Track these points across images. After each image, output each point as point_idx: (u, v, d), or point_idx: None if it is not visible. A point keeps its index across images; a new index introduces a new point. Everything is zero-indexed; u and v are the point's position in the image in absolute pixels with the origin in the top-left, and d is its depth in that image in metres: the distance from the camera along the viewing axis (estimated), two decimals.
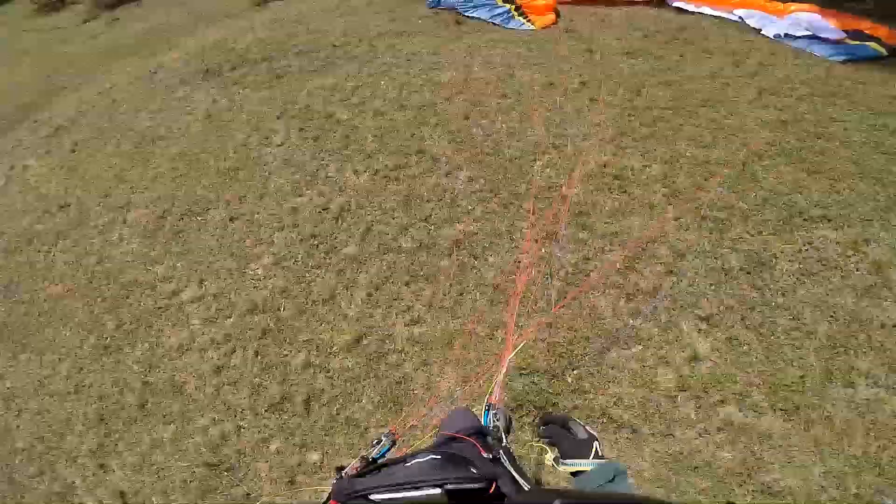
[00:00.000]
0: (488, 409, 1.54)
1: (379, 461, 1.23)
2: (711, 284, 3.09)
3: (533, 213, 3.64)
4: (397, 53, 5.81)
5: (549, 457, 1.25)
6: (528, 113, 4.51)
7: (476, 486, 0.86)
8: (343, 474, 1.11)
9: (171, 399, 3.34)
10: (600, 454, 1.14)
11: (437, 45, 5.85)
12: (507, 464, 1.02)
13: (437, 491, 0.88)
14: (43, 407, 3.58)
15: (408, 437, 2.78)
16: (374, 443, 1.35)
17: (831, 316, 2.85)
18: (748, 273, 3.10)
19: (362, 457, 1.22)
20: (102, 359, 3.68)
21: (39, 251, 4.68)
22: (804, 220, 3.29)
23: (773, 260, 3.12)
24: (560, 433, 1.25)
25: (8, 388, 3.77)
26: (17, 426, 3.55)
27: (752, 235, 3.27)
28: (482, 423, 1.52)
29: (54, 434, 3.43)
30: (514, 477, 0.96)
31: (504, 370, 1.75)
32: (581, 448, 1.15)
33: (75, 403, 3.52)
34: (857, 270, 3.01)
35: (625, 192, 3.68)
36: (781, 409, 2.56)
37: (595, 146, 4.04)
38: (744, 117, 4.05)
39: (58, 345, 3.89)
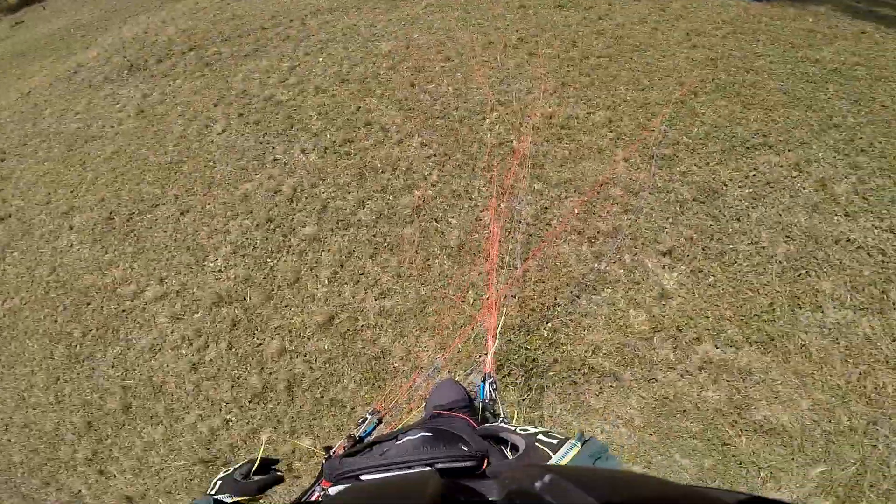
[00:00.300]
0: (484, 381, 1.39)
1: (366, 439, 1.14)
2: (668, 218, 2.68)
3: (494, 171, 3.10)
4: (332, 30, 4.93)
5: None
6: (472, 73, 3.87)
7: (467, 464, 0.79)
8: (331, 454, 1.01)
9: (153, 400, 2.84)
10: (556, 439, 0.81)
11: (373, 17, 5.00)
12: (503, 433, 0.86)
13: (428, 469, 0.80)
14: (28, 420, 3.04)
15: (395, 412, 2.36)
16: (360, 421, 1.24)
17: (787, 235, 2.49)
18: (702, 203, 2.70)
19: (349, 436, 1.13)
20: (76, 367, 3.10)
21: None
22: (747, 148, 2.90)
23: (724, 188, 2.73)
24: (497, 455, 0.89)
25: None
26: (9, 440, 3.03)
27: (700, 167, 2.86)
28: (478, 394, 1.37)
29: (47, 445, 2.94)
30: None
31: (496, 341, 1.51)
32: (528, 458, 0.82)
33: (59, 413, 3.00)
34: (804, 189, 2.65)
35: (573, 140, 3.18)
36: (757, 342, 2.21)
37: (539, 99, 3.48)
38: (676, 58, 3.58)
39: (27, 358, 3.26)
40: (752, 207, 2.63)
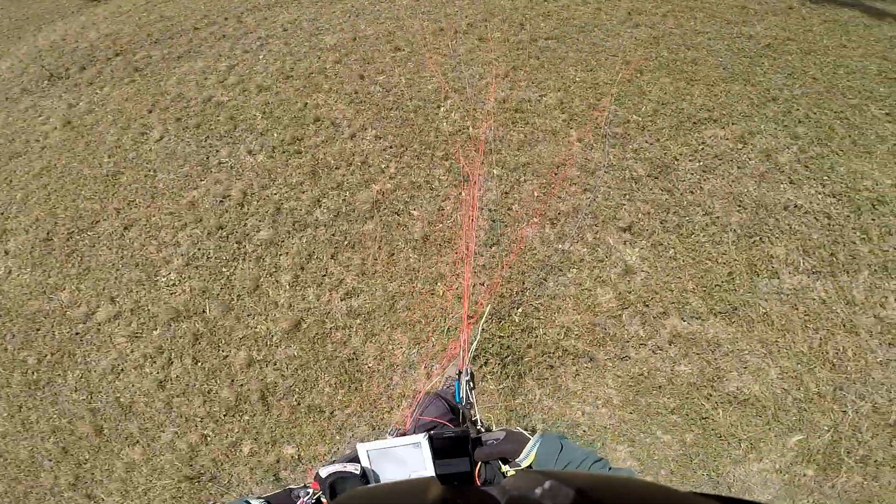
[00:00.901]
0: (459, 378, 1.36)
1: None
2: (625, 194, 2.72)
3: (456, 161, 3.04)
4: (272, 25, 4.67)
5: (506, 469, 0.94)
6: (424, 62, 3.76)
7: (455, 433, 0.82)
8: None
9: (125, 420, 2.68)
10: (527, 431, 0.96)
11: (315, 10, 4.76)
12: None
13: (422, 436, 0.90)
14: (1, 449, 2.80)
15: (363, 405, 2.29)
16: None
17: (739, 204, 2.58)
18: (655, 178, 2.75)
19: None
20: (37, 394, 2.89)
21: None
22: (693, 123, 2.98)
23: (675, 162, 2.79)
24: (493, 448, 0.95)
25: None
26: None
27: (651, 144, 2.91)
28: (454, 396, 1.36)
29: (26, 474, 2.74)
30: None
31: (466, 342, 1.47)
32: (510, 443, 0.92)
33: (31, 440, 2.80)
34: (750, 160, 2.75)
35: (527, 123, 3.16)
36: (721, 313, 2.28)
37: (492, 84, 3.42)
38: (619, 38, 3.62)
39: None
40: (704, 180, 2.70)
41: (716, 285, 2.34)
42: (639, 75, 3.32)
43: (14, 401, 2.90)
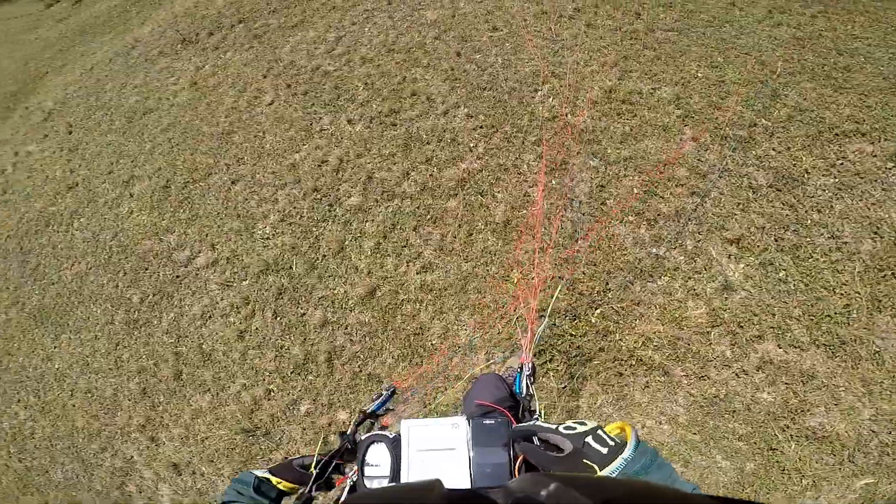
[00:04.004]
0: (521, 371, 1.35)
1: (378, 413, 1.24)
2: (739, 204, 2.55)
3: (543, 145, 3.06)
4: None
5: None
6: (523, 44, 3.78)
7: (496, 422, 0.87)
8: (348, 434, 1.09)
9: (202, 368, 3.07)
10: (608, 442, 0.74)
11: None
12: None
13: (462, 418, 0.94)
14: (91, 385, 3.37)
15: (417, 391, 2.44)
16: (375, 397, 1.30)
17: (875, 232, 2.31)
18: (778, 190, 2.54)
19: (360, 411, 1.21)
20: (134, 333, 3.40)
21: (58, 231, 4.24)
22: (835, 134, 2.68)
23: (805, 175, 2.55)
24: (541, 455, 0.80)
25: (58, 369, 3.55)
26: (73, 405, 3.36)
27: (779, 152, 2.68)
28: (514, 387, 1.35)
29: (106, 411, 3.24)
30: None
31: (532, 335, 1.46)
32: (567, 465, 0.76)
33: (118, 379, 3.29)
34: None
35: (635, 115, 3.06)
36: (825, 345, 2.10)
37: (598, 72, 3.36)
38: (756, 36, 3.32)
39: (91, 323, 3.59)
40: (837, 199, 2.45)
41: (827, 316, 2.15)
42: (774, 77, 3.05)
43: (114, 338, 3.44)
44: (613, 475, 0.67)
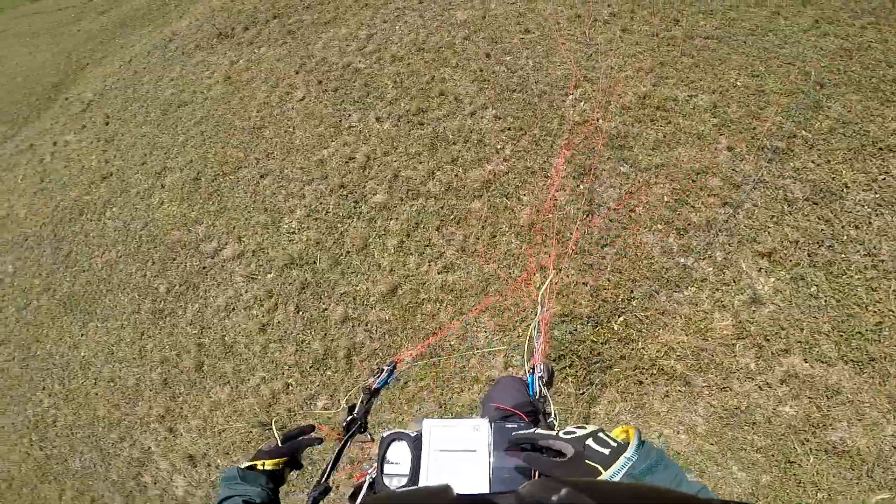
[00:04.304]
0: (533, 373, 1.35)
1: (381, 389, 1.26)
2: (773, 216, 2.53)
3: (569, 149, 3.09)
4: None
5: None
6: (555, 47, 3.81)
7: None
8: (355, 414, 1.15)
9: (224, 360, 3.18)
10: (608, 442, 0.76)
11: None
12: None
13: (483, 420, 0.97)
14: (115, 374, 3.50)
15: (435, 381, 2.45)
16: (376, 374, 1.29)
17: None
18: (815, 204, 2.51)
19: (364, 388, 1.22)
20: (159, 323, 3.54)
21: (91, 220, 4.47)
22: (879, 149, 2.61)
23: (844, 190, 2.51)
24: (544, 462, 0.81)
25: (83, 357, 3.71)
26: (96, 394, 3.50)
27: (819, 165, 2.64)
28: (528, 389, 1.36)
29: (127, 400, 3.36)
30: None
31: (543, 337, 1.44)
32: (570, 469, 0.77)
33: (141, 369, 3.42)
34: None
35: (669, 122, 3.06)
36: (853, 361, 2.08)
37: (632, 77, 3.37)
38: (801, 46, 3.26)
39: (118, 311, 3.76)
40: (876, 215, 2.40)
41: (857, 332, 2.12)
42: (818, 88, 3.00)
43: (139, 327, 3.58)
44: (618, 475, 0.69)
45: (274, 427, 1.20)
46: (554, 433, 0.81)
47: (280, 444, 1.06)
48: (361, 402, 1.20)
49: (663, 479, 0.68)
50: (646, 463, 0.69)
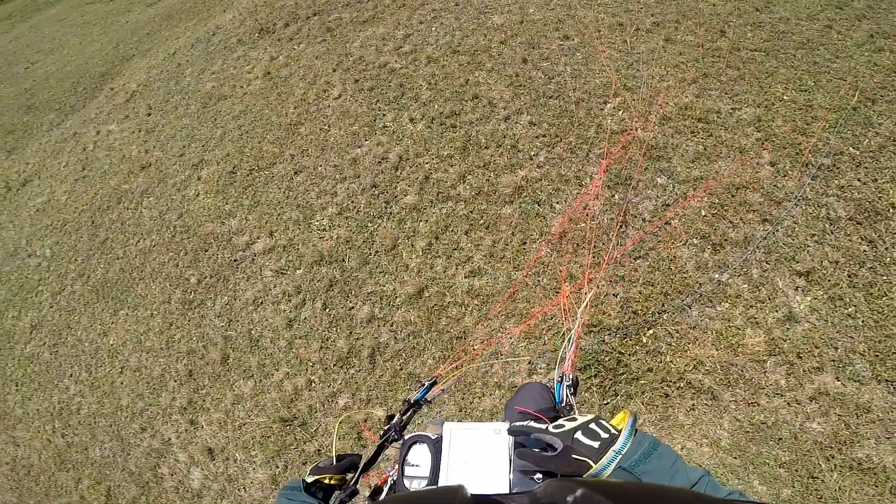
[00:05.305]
0: (561, 381, 1.41)
1: (420, 401, 1.37)
2: (813, 235, 2.60)
3: (605, 157, 3.23)
4: None
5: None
6: (594, 54, 3.96)
7: (539, 424, 0.88)
8: (393, 422, 1.24)
9: (249, 353, 3.36)
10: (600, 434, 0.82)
11: None
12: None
13: (504, 425, 1.01)
14: (141, 363, 3.72)
15: (457, 385, 2.63)
16: (418, 387, 1.44)
17: None
18: (858, 224, 2.58)
19: (405, 400, 1.36)
20: (188, 313, 3.76)
21: (128, 208, 4.83)
22: None
23: (891, 210, 2.57)
24: (535, 456, 0.88)
25: (112, 345, 3.95)
26: (122, 383, 3.72)
27: (865, 183, 2.70)
28: (555, 396, 1.43)
29: (151, 391, 3.56)
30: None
31: (574, 347, 1.53)
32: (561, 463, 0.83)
33: (168, 359, 3.63)
34: None
35: (710, 135, 3.16)
36: (887, 381, 2.15)
37: (674, 88, 3.48)
38: (853, 61, 3.31)
39: (149, 300, 4.01)
40: None
41: (893, 354, 2.19)
42: (870, 104, 3.05)
43: (168, 317, 3.80)
44: (608, 468, 0.74)
45: (336, 439, 1.35)
46: (544, 427, 0.86)
47: (335, 463, 1.18)
48: (400, 413, 1.29)
49: (658, 468, 0.72)
50: (638, 452, 0.74)
